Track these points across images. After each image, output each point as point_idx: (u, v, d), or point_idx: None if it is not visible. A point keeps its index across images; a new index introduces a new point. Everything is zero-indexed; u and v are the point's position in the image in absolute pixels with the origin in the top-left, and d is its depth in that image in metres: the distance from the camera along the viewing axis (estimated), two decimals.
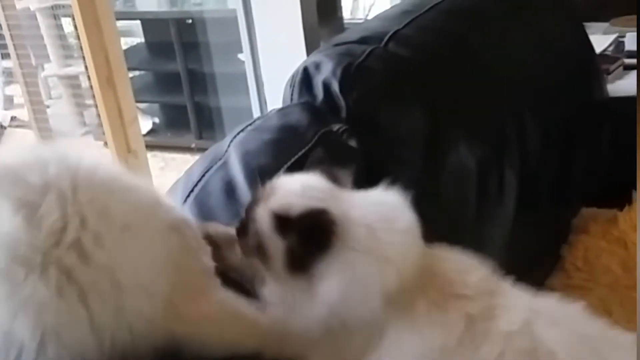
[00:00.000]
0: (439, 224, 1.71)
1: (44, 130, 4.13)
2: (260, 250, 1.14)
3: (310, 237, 1.09)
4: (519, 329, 1.09)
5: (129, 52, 4.59)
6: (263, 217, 1.13)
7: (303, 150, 1.47)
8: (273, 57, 2.66)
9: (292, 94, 1.62)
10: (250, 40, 2.73)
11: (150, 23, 4.71)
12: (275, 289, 1.16)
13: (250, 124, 1.53)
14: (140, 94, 4.38)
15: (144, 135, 3.46)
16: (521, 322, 1.10)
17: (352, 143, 1.57)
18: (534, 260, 2.02)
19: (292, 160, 1.45)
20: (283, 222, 1.11)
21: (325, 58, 1.61)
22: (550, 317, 1.13)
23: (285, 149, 1.47)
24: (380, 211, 1.19)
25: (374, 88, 1.61)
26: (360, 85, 1.58)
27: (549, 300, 1.18)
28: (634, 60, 2.98)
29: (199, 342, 1.11)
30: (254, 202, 1.18)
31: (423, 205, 1.68)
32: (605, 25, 3.42)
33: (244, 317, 1.16)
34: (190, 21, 4.15)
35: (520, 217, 1.94)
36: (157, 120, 4.88)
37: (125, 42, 5.02)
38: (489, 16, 2.04)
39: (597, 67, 2.44)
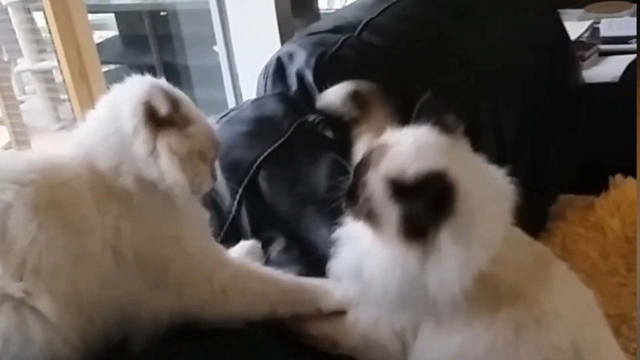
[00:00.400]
0: None
1: (18, 126, 4.07)
2: (371, 217, 1.08)
3: (431, 204, 1.01)
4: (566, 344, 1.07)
5: (103, 46, 4.54)
6: (375, 183, 1.07)
7: (279, 142, 1.45)
8: (247, 49, 2.64)
9: (265, 85, 1.61)
10: (224, 32, 2.71)
11: (124, 16, 4.65)
12: (384, 256, 1.08)
13: (224, 116, 1.52)
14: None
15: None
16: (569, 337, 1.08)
17: (328, 133, 1.56)
18: None
19: (268, 151, 1.43)
20: (398, 188, 1.03)
21: (299, 48, 1.60)
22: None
23: (260, 140, 1.46)
24: (493, 187, 1.12)
25: (348, 77, 1.59)
26: (334, 75, 1.56)
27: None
28: (609, 46, 2.99)
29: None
30: (363, 164, 1.11)
31: None
32: (580, 11, 3.43)
33: (252, 289, 1.17)
34: (164, 13, 4.10)
35: None
36: None
37: (100, 36, 4.96)
38: (462, 4, 2.04)
39: (572, 54, 2.44)
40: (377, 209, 1.06)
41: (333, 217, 1.30)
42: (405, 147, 1.07)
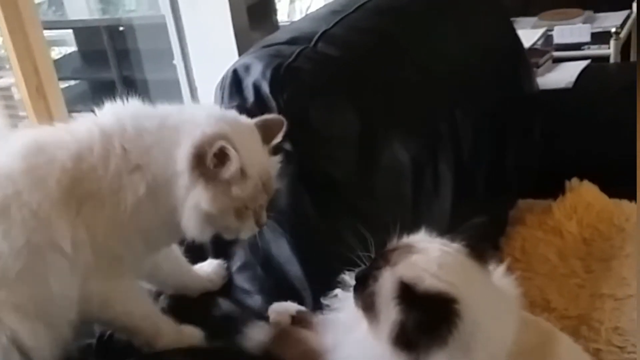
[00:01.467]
0: (376, 221, 1.72)
1: None
2: (371, 310, 1.09)
3: (429, 322, 1.02)
4: None
5: (62, 62, 4.49)
6: (387, 281, 1.07)
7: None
8: (205, 62, 2.63)
9: (222, 97, 1.60)
10: (182, 46, 2.70)
11: (82, 31, 4.61)
12: (373, 352, 1.10)
13: None
14: (75, 103, 4.29)
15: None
16: None
17: (286, 145, 1.56)
18: None
19: None
20: (407, 294, 1.04)
21: (255, 60, 1.60)
22: None
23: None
24: (506, 318, 1.11)
25: (304, 88, 1.60)
26: (290, 86, 1.57)
27: None
28: (562, 53, 3.05)
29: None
30: (383, 258, 1.13)
31: (359, 203, 1.70)
32: (534, 19, 3.48)
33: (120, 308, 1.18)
34: (122, 28, 4.08)
35: (457, 211, 1.95)
36: None
37: (59, 52, 4.91)
38: (417, 13, 2.06)
39: (526, 61, 2.48)
40: (379, 306, 1.07)
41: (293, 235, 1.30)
42: (428, 258, 1.08)
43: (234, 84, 1.60)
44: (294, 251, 1.39)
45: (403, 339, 1.04)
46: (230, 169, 1.08)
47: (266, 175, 1.18)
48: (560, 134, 2.31)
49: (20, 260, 1.07)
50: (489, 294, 1.11)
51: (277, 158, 1.20)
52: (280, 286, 1.26)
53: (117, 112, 1.19)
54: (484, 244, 1.15)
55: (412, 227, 1.79)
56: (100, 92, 4.70)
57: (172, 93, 3.10)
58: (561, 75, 2.62)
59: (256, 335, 1.26)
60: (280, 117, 1.22)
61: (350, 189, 1.65)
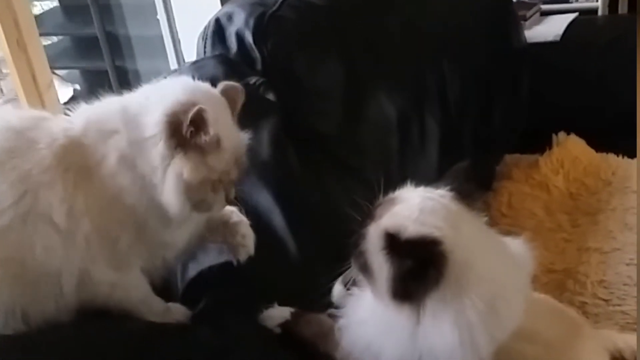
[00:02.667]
0: (363, 175, 1.71)
1: None
2: (366, 270, 1.08)
3: (418, 268, 1.00)
4: None
5: (44, 17, 4.41)
6: (373, 235, 1.06)
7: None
8: (189, 17, 2.59)
9: (205, 47, 1.57)
10: (164, 0, 2.66)
11: None
12: (379, 314, 1.09)
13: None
14: (58, 60, 4.23)
15: (65, 103, 3.35)
16: None
17: (270, 96, 1.54)
18: None
19: None
20: (393, 244, 1.03)
21: (238, 8, 1.57)
22: None
23: None
24: (499, 259, 1.09)
25: (288, 38, 1.57)
26: (274, 36, 1.54)
27: None
28: (550, 6, 3.01)
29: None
30: (369, 216, 1.11)
31: (346, 156, 1.68)
32: None
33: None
34: None
35: (443, 166, 1.93)
36: (77, 87, 4.73)
37: (41, 7, 4.84)
38: None
39: (514, 14, 2.45)
40: (372, 263, 1.06)
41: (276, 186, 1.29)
42: (410, 206, 1.06)
43: (217, 33, 1.57)
44: (277, 201, 1.36)
45: (400, 290, 1.03)
46: (209, 134, 1.06)
47: (239, 150, 1.16)
48: (548, 88, 2.29)
49: (5, 216, 1.05)
50: (478, 235, 1.08)
51: (247, 135, 1.18)
52: (263, 236, 1.24)
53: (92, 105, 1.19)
54: (468, 186, 1.12)
55: (398, 182, 1.80)
56: (84, 48, 4.64)
57: (155, 49, 3.06)
58: (549, 29, 2.59)
59: (275, 314, 1.26)
60: (240, 85, 1.19)
61: (335, 141, 1.63)
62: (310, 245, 1.39)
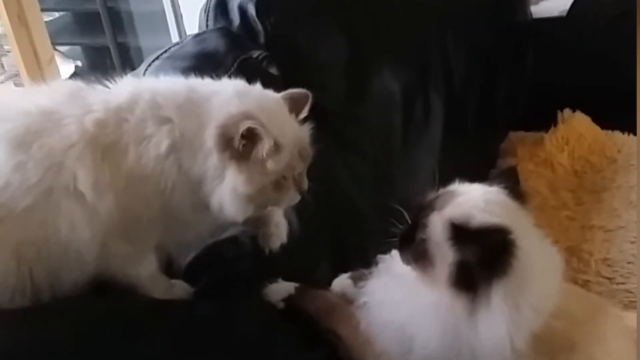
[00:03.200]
0: (366, 151, 1.69)
1: None
2: (423, 259, 1.08)
3: (489, 256, 1.01)
4: None
5: None
6: (437, 225, 1.07)
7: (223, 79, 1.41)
8: None
9: (207, 20, 1.55)
10: None
11: None
12: (429, 301, 1.09)
13: (164, 52, 1.46)
14: (60, 36, 4.20)
15: (67, 79, 3.33)
16: None
17: (273, 70, 1.52)
18: None
19: None
20: (461, 233, 1.04)
21: None
22: None
23: (202, 77, 1.41)
24: (547, 250, 1.14)
25: (292, 12, 1.55)
26: (277, 9, 1.52)
27: None
28: None
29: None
30: (426, 207, 1.12)
31: (348, 132, 1.66)
32: None
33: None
34: None
35: (447, 142, 1.93)
36: (79, 63, 4.71)
37: None
38: None
39: None
40: (432, 252, 1.07)
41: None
42: (473, 197, 1.08)
43: (219, 5, 1.54)
44: None
45: (462, 278, 1.04)
46: (264, 146, 1.05)
47: (300, 142, 1.15)
48: (553, 64, 2.27)
49: (29, 196, 1.04)
50: (534, 231, 1.12)
51: (308, 125, 1.18)
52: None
53: (138, 82, 1.19)
54: (519, 187, 1.16)
55: (402, 159, 1.78)
56: (85, 24, 4.61)
57: (157, 24, 3.04)
58: (554, 4, 2.55)
59: (279, 289, 1.26)
60: (306, 91, 1.18)
61: (337, 117, 1.61)
62: (312, 221, 1.38)
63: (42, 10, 2.87)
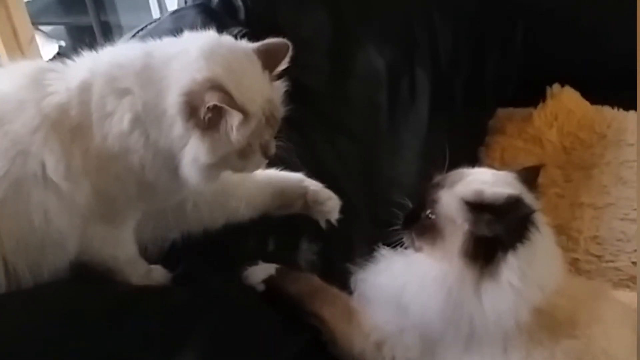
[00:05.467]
0: (352, 130, 1.66)
1: None
2: (432, 232, 1.13)
3: (506, 226, 1.06)
4: None
5: None
6: (448, 200, 1.12)
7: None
8: None
9: None
10: None
11: None
12: (434, 271, 1.12)
13: (141, 29, 1.43)
14: (42, 15, 4.16)
15: (50, 60, 3.29)
16: None
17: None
18: (451, 164, 1.99)
19: None
20: (476, 208, 1.08)
21: None
22: None
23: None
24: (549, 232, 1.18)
25: None
26: None
27: None
28: None
29: None
30: (435, 186, 1.17)
31: (333, 111, 1.63)
32: None
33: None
34: None
35: (434, 120, 1.90)
36: (63, 43, 4.66)
37: None
38: None
39: None
40: (443, 225, 1.12)
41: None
42: (483, 176, 1.16)
43: None
44: None
45: (476, 249, 1.07)
46: (232, 121, 1.01)
47: (270, 106, 1.10)
48: (542, 38, 2.23)
49: None
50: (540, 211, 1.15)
51: (281, 83, 1.13)
52: None
53: (110, 49, 1.13)
54: (528, 172, 1.22)
55: (388, 137, 1.75)
56: (67, 4, 4.56)
57: (140, 2, 3.00)
58: None
59: (258, 270, 1.24)
60: (285, 41, 1.13)
61: (321, 95, 1.59)
62: None
63: None
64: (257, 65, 1.09)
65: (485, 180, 1.13)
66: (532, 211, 1.07)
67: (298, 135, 1.47)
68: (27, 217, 1.01)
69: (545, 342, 1.08)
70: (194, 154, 1.02)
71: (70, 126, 1.03)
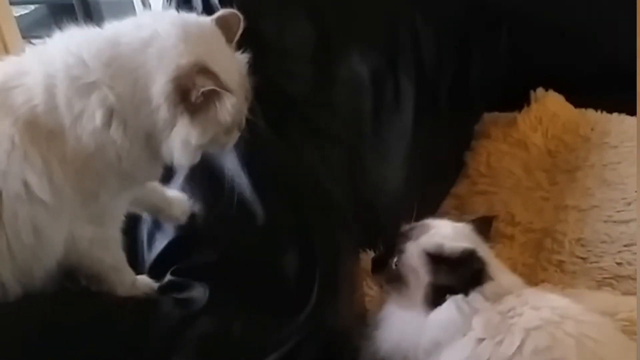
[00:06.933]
0: (337, 137, 1.67)
1: None
2: (399, 281, 1.28)
3: (462, 275, 1.21)
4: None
5: None
6: (412, 252, 1.27)
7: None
8: None
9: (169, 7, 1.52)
10: None
11: None
12: (398, 315, 1.29)
13: None
14: (34, 29, 4.16)
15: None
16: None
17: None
18: (438, 170, 2.00)
19: None
20: (435, 260, 1.23)
21: None
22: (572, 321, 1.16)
23: None
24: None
25: None
26: None
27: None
28: None
29: None
30: (403, 236, 1.31)
31: (318, 118, 1.64)
32: None
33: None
34: None
35: (420, 126, 1.90)
36: None
37: None
38: None
39: None
40: (407, 276, 1.27)
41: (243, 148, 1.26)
42: (445, 230, 1.31)
43: None
44: (244, 164, 1.33)
45: (435, 296, 1.23)
46: (225, 104, 1.02)
47: (243, 81, 1.12)
48: (525, 42, 2.25)
49: None
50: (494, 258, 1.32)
51: (245, 55, 1.14)
52: (230, 199, 1.23)
53: (60, 41, 1.10)
54: (482, 222, 1.38)
55: (374, 144, 1.76)
56: (59, 17, 4.56)
57: (130, 15, 3.02)
58: None
59: None
60: (236, 11, 1.14)
61: (305, 102, 1.59)
62: (278, 208, 1.36)
63: (15, 3, 2.83)
64: (223, 39, 1.11)
65: (445, 235, 1.28)
66: (483, 265, 1.23)
67: (283, 140, 1.48)
68: (16, 235, 1.02)
69: None
70: (184, 137, 1.03)
71: (45, 135, 1.02)
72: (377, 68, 1.77)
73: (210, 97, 1.02)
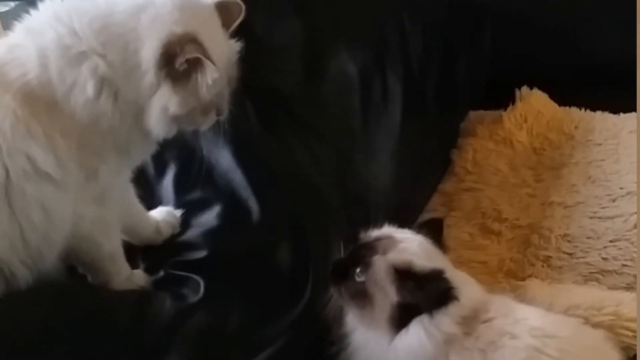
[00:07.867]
0: (326, 134, 1.68)
1: None
2: (362, 297, 1.19)
3: (431, 296, 1.14)
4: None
5: None
6: (380, 267, 1.18)
7: None
8: None
9: None
10: None
11: None
12: (363, 334, 1.22)
13: None
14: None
15: None
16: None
17: None
18: (425, 167, 2.02)
19: None
20: (405, 277, 1.16)
21: None
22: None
23: None
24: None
25: None
26: None
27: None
28: None
29: None
30: (368, 247, 1.23)
31: (307, 115, 1.65)
32: None
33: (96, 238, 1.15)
34: None
35: (407, 124, 1.91)
36: None
37: None
38: None
39: None
40: (373, 293, 1.18)
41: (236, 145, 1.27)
42: (413, 246, 1.23)
43: None
44: (237, 160, 1.34)
45: (401, 317, 1.16)
46: (207, 76, 1.02)
47: (230, 66, 1.13)
48: (509, 41, 2.26)
49: None
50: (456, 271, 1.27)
51: (237, 44, 1.15)
52: (224, 196, 1.23)
53: (51, 8, 1.10)
54: (442, 238, 1.31)
55: (362, 141, 1.77)
56: None
57: None
58: None
59: None
60: (239, 0, 1.15)
61: (295, 100, 1.60)
62: (272, 204, 1.37)
63: None
64: (219, 22, 1.11)
65: (414, 252, 1.21)
66: (451, 285, 1.15)
67: (274, 137, 1.49)
68: (26, 217, 1.02)
69: None
70: (164, 103, 1.04)
71: (43, 108, 1.03)
72: (366, 66, 1.79)
73: (194, 67, 1.03)
